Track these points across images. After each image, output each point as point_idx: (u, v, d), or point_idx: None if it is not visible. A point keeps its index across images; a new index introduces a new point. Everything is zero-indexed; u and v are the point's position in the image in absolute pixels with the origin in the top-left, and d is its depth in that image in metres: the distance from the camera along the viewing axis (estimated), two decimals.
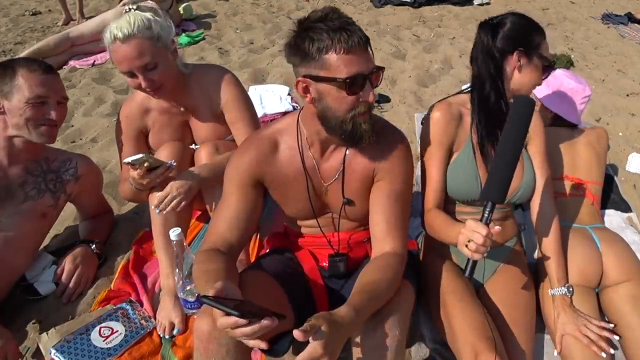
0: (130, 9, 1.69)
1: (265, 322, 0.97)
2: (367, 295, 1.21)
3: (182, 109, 1.89)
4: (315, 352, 1.00)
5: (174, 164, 1.70)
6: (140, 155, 1.60)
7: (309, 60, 1.21)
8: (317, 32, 1.18)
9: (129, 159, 1.60)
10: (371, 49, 1.25)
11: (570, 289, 1.55)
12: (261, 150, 1.40)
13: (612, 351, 1.45)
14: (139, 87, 1.70)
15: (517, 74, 1.54)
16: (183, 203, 1.69)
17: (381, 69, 1.27)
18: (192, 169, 1.78)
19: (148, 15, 1.68)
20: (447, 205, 1.60)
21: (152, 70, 1.67)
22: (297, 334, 0.96)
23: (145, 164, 1.60)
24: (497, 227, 1.26)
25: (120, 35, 1.60)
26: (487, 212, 1.31)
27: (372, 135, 1.31)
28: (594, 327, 1.47)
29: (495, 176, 1.34)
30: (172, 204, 1.68)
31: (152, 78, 1.67)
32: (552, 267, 1.56)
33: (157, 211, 1.69)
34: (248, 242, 1.58)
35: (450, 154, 1.58)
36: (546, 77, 1.58)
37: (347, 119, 1.26)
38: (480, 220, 1.29)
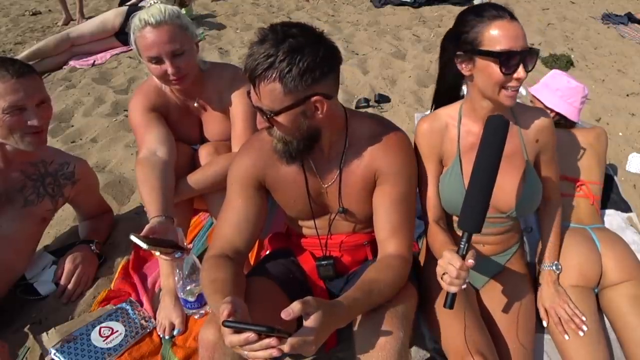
0: (155, 2, 1.71)
1: (272, 341, 0.99)
2: (363, 293, 1.22)
3: (195, 104, 1.89)
4: (308, 334, 1.02)
5: (186, 251, 1.54)
6: (145, 246, 1.41)
7: None
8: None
9: (136, 239, 1.40)
10: (258, 90, 1.18)
11: (559, 267, 1.59)
12: (262, 152, 1.41)
13: (581, 332, 1.49)
14: (163, 75, 1.70)
15: (476, 81, 1.39)
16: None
17: (261, 111, 1.21)
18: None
19: (175, 7, 1.73)
20: (450, 216, 1.59)
21: (180, 56, 1.68)
22: (284, 314, 1.00)
23: (156, 253, 1.49)
24: (471, 261, 1.20)
25: (152, 20, 1.62)
26: (462, 243, 1.25)
27: (285, 158, 1.32)
28: (568, 309, 1.52)
29: (469, 205, 1.26)
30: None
31: (178, 65, 1.68)
32: (549, 245, 1.61)
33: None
34: (255, 244, 1.58)
35: (440, 165, 1.55)
36: (514, 69, 1.30)
37: None
38: (457, 251, 1.24)
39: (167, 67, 1.66)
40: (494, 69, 1.31)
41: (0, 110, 1.57)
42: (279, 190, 1.45)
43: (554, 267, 1.59)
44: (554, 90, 1.95)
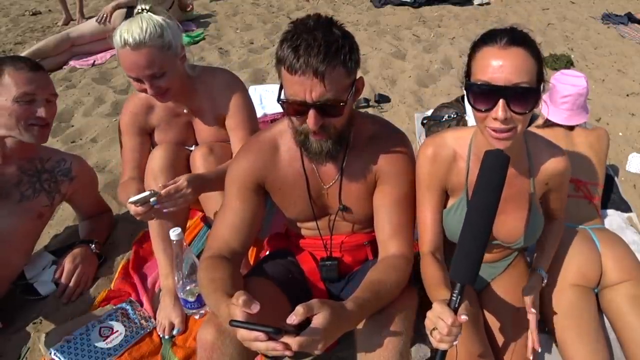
0: (143, 10, 1.67)
1: (277, 345, 1.00)
2: (371, 294, 1.22)
3: (185, 110, 1.89)
4: (315, 333, 1.02)
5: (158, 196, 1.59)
6: (146, 193, 1.54)
7: (276, 64, 1.21)
8: (285, 41, 1.15)
9: (134, 198, 1.53)
10: (326, 81, 1.12)
11: (547, 277, 1.53)
12: (262, 154, 1.40)
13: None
14: (144, 92, 1.69)
15: None
16: (189, 198, 1.61)
17: (329, 104, 1.16)
18: (201, 173, 1.73)
19: (160, 20, 1.65)
20: (450, 244, 1.45)
21: (160, 78, 1.66)
22: (292, 318, 0.99)
23: (151, 200, 1.55)
24: (464, 317, 1.06)
25: (131, 41, 1.57)
26: (455, 295, 1.09)
27: (325, 158, 1.28)
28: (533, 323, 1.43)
29: (462, 253, 1.10)
30: (178, 204, 1.59)
31: (158, 85, 1.66)
32: (547, 256, 1.56)
33: (154, 203, 1.57)
34: (251, 246, 1.59)
35: (444, 195, 1.44)
36: (490, 106, 1.13)
37: (298, 131, 1.26)
38: (448, 304, 1.09)
39: (147, 87, 1.65)
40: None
41: (12, 98, 1.64)
42: (279, 191, 1.45)
43: (544, 275, 1.52)
44: (559, 105, 1.95)
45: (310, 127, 1.18)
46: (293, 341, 0.99)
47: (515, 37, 1.14)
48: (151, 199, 1.55)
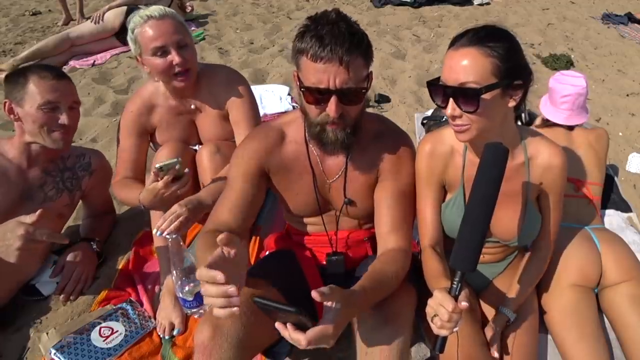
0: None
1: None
2: (374, 282, 1.23)
3: (192, 106, 1.90)
4: (327, 331, 1.03)
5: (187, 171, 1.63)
6: (174, 160, 1.57)
7: (293, 56, 1.24)
8: (307, 32, 1.19)
9: (160, 164, 1.54)
10: (349, 68, 1.16)
11: (514, 317, 1.48)
12: (268, 139, 1.42)
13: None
14: (168, 68, 1.72)
15: None
16: (187, 222, 1.58)
17: (352, 91, 1.20)
18: (199, 195, 1.69)
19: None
20: (449, 239, 1.46)
21: (184, 48, 1.73)
22: (315, 294, 1.00)
23: (177, 167, 1.57)
24: (464, 304, 1.08)
25: (156, 14, 1.67)
26: (455, 283, 1.12)
27: (339, 148, 1.31)
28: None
29: (462, 242, 1.14)
30: (176, 222, 1.54)
31: (184, 56, 1.72)
32: (520, 293, 1.49)
33: (159, 234, 1.56)
34: (247, 232, 1.61)
35: (443, 190, 1.47)
36: (444, 103, 1.21)
37: (314, 123, 1.28)
38: (449, 291, 1.12)
39: (174, 56, 1.69)
40: None
41: (36, 106, 1.69)
42: (283, 180, 1.45)
43: (510, 316, 1.47)
44: (559, 105, 1.94)
45: (331, 114, 1.21)
46: (307, 336, 1.00)
47: (474, 38, 1.17)
48: (177, 168, 1.57)
